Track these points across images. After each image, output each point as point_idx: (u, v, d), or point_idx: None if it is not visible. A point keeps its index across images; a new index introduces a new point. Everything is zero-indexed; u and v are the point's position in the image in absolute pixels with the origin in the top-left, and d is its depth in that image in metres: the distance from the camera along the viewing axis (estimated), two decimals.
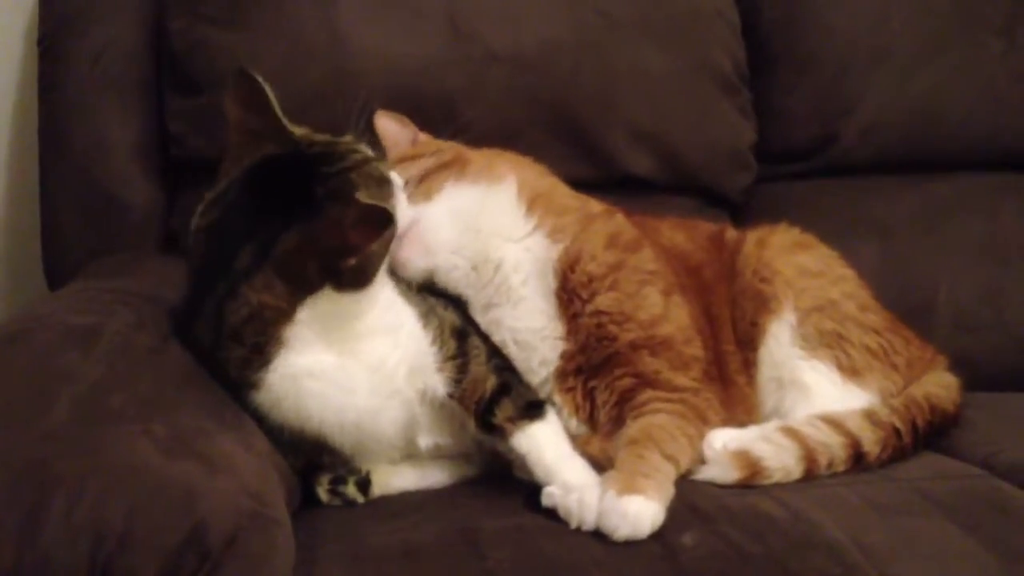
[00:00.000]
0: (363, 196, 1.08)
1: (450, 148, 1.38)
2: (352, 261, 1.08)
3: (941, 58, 1.81)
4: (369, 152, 1.19)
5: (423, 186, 1.30)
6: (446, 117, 1.57)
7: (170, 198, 1.67)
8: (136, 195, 1.65)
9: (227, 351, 1.11)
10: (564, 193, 1.39)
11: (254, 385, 1.11)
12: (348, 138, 1.19)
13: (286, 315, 1.09)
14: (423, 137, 1.43)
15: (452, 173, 1.31)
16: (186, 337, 1.15)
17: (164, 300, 1.25)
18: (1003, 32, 1.82)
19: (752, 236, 1.47)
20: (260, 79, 1.14)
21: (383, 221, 1.06)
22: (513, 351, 1.27)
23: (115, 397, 1.00)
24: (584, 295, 1.28)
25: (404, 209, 1.23)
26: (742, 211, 1.82)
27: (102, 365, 1.05)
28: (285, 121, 1.15)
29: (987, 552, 1.08)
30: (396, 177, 1.24)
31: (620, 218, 1.37)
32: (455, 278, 1.29)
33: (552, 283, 1.28)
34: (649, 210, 1.55)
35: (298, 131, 1.16)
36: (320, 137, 1.17)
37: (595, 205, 1.38)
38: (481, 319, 1.29)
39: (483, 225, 1.29)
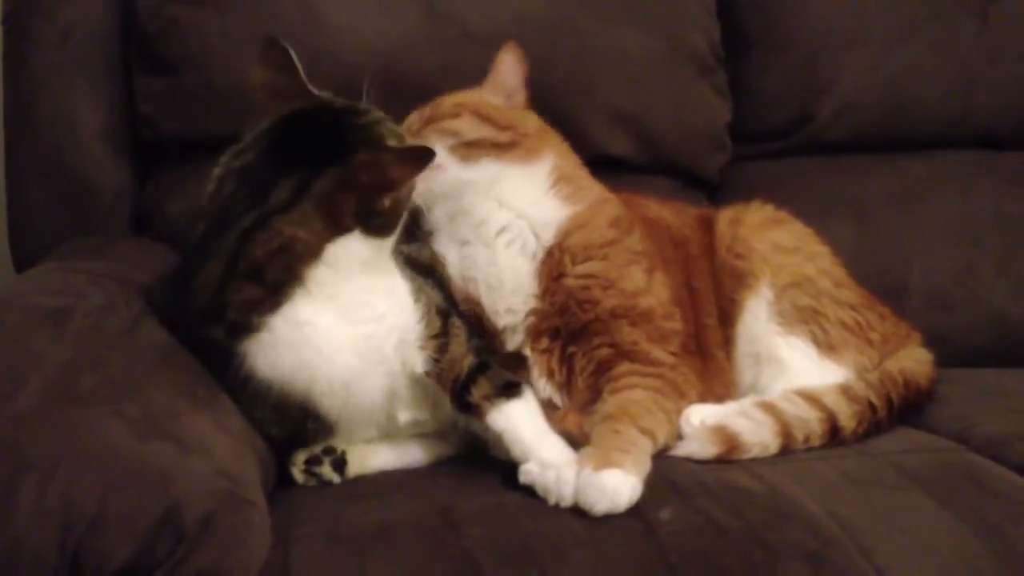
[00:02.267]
0: (392, 144, 1.18)
1: (517, 130, 1.37)
2: (387, 201, 1.13)
3: (916, 38, 1.81)
4: (389, 118, 1.23)
5: (469, 149, 1.33)
6: (421, 97, 1.55)
7: (141, 180, 1.65)
8: (106, 177, 1.63)
9: (236, 291, 1.11)
10: (585, 178, 1.42)
11: (256, 328, 1.11)
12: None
13: (314, 253, 1.12)
14: (519, 99, 1.41)
15: (495, 151, 1.33)
16: (176, 295, 1.15)
17: (135, 282, 1.24)
18: (977, 12, 1.82)
19: (725, 214, 1.48)
20: (287, 46, 1.21)
21: (425, 156, 1.12)
22: (483, 290, 1.30)
23: (86, 378, 0.99)
24: (579, 256, 1.30)
25: None
26: (718, 191, 1.83)
27: (72, 346, 1.04)
28: (307, 82, 1.21)
29: (962, 524, 1.09)
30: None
31: (620, 205, 1.40)
32: (430, 211, 1.34)
33: (549, 239, 1.31)
34: (628, 191, 1.55)
35: (323, 94, 1.22)
36: (341, 100, 1.22)
37: (604, 191, 1.41)
38: (454, 252, 1.33)
39: (497, 194, 1.33)
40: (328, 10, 1.58)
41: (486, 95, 1.41)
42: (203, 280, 1.12)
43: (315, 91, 1.21)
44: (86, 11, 1.62)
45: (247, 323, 1.11)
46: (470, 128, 1.34)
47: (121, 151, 1.64)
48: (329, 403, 1.15)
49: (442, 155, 1.30)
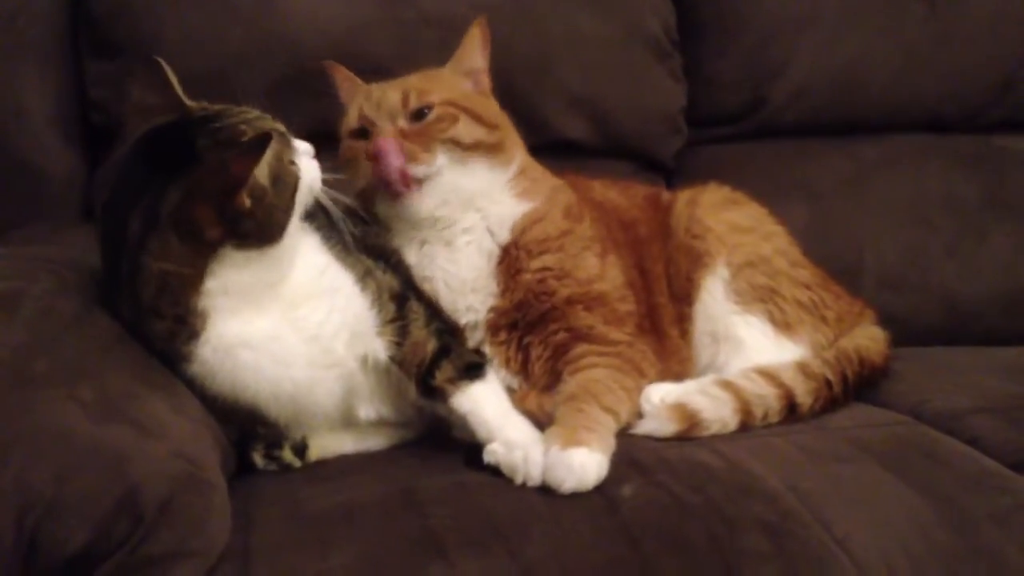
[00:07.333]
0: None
1: (501, 128, 1.34)
2: (246, 200, 1.02)
3: (865, 22, 1.83)
4: (267, 116, 1.13)
5: (464, 153, 1.29)
6: (377, 81, 1.55)
7: (91, 166, 1.62)
8: (55, 163, 1.60)
9: (150, 324, 1.07)
10: (537, 167, 1.41)
11: (185, 358, 1.08)
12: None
13: (193, 285, 1.05)
14: (485, 81, 1.37)
15: (486, 154, 1.31)
16: (113, 308, 1.11)
17: (87, 267, 1.21)
18: None
19: (683, 195, 1.49)
20: (162, 61, 1.11)
21: (261, 143, 1.01)
22: (441, 289, 1.29)
23: (39, 362, 0.97)
24: (535, 251, 1.30)
25: (310, 168, 1.15)
26: (675, 175, 1.84)
27: (24, 330, 1.02)
28: (182, 96, 1.11)
29: (916, 494, 1.11)
30: (301, 144, 1.15)
31: (570, 190, 1.40)
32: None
33: (505, 237, 1.31)
34: (585, 175, 1.55)
35: (194, 104, 1.12)
36: (216, 106, 1.12)
37: (553, 178, 1.41)
38: (413, 253, 1.31)
39: (473, 197, 1.31)
40: None
41: (456, 79, 1.35)
42: (122, 313, 1.09)
43: (189, 103, 1.10)
44: None
45: (175, 352, 1.07)
46: (469, 132, 1.29)
47: (71, 136, 1.61)
48: (278, 413, 1.14)
49: (443, 161, 1.27)
